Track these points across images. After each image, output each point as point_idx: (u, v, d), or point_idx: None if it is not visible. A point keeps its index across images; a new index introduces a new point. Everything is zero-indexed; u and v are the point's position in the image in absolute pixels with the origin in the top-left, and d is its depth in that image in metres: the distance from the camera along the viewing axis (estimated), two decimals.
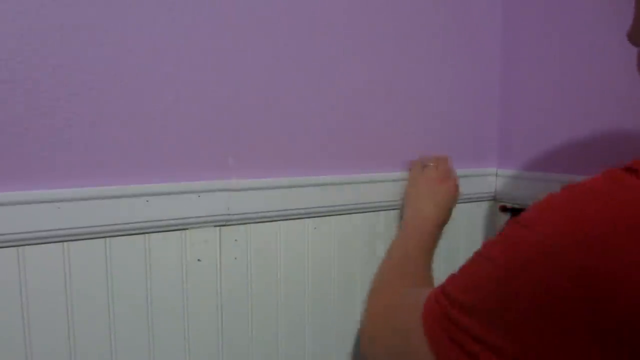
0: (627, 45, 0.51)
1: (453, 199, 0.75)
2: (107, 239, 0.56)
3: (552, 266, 0.34)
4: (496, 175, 0.90)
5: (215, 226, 0.63)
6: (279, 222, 0.68)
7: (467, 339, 0.40)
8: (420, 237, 0.69)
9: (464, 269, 0.44)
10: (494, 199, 0.90)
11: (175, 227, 0.60)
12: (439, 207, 0.73)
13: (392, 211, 0.79)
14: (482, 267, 0.41)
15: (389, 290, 0.62)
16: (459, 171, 0.81)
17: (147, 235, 0.59)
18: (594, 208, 0.34)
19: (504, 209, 0.83)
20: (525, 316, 0.35)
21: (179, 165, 0.61)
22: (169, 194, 0.59)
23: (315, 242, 0.71)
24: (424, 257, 0.67)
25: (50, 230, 0.53)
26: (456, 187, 0.76)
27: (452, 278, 0.45)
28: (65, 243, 0.54)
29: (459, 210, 0.80)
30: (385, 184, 0.77)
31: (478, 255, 0.43)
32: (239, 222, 0.65)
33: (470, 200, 0.85)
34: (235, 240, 0.65)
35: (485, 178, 0.89)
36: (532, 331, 0.35)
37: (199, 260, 0.62)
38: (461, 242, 0.83)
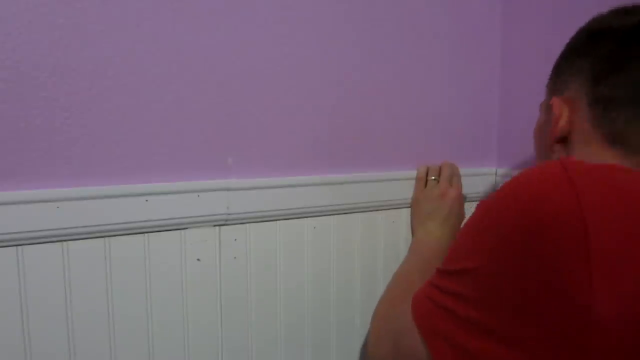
0: None
1: (458, 208, 0.78)
2: (107, 238, 0.56)
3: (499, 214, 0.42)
4: (496, 174, 0.90)
5: (215, 226, 0.63)
6: (278, 221, 0.68)
7: (446, 298, 0.44)
8: (429, 264, 0.71)
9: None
10: None
11: (175, 227, 0.60)
12: (444, 223, 0.76)
13: (391, 210, 0.79)
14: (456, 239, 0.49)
15: (391, 310, 0.63)
16: (459, 171, 0.81)
17: (146, 234, 0.59)
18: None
19: None
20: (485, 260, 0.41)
21: (178, 164, 0.61)
22: (168, 193, 0.59)
23: (314, 242, 0.71)
24: None
25: (50, 229, 0.53)
26: (458, 195, 0.78)
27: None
28: (64, 242, 0.54)
29: None
30: (386, 183, 0.77)
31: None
32: (239, 221, 0.65)
33: (470, 199, 0.85)
34: (235, 239, 0.65)
35: (485, 177, 0.89)
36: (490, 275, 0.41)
37: (198, 259, 0.63)
38: None
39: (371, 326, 0.66)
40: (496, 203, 0.43)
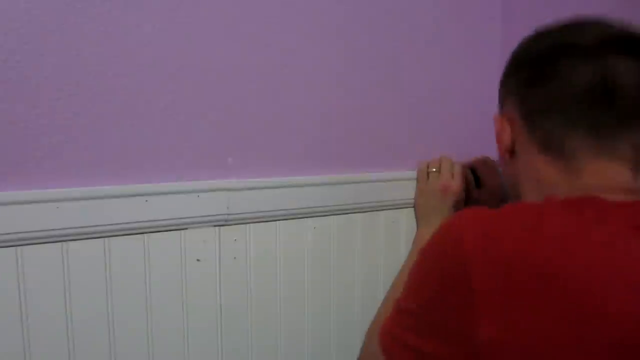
0: None
1: (459, 201, 0.77)
2: (106, 238, 0.56)
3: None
4: None
5: (215, 226, 0.63)
6: (278, 221, 0.68)
7: (402, 332, 0.50)
8: None
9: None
10: None
11: (175, 227, 0.60)
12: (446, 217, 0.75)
13: (392, 210, 0.79)
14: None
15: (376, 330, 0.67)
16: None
17: (146, 235, 0.59)
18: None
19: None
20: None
21: (178, 165, 0.61)
22: (168, 193, 0.59)
23: (314, 242, 0.71)
24: None
25: (50, 230, 0.53)
26: (460, 188, 0.77)
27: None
28: (64, 243, 0.54)
29: None
30: (386, 184, 0.77)
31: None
32: (239, 221, 0.65)
33: None
34: (235, 240, 0.65)
35: None
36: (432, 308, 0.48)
37: (198, 260, 0.62)
38: None
39: (365, 338, 0.68)
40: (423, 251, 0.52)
